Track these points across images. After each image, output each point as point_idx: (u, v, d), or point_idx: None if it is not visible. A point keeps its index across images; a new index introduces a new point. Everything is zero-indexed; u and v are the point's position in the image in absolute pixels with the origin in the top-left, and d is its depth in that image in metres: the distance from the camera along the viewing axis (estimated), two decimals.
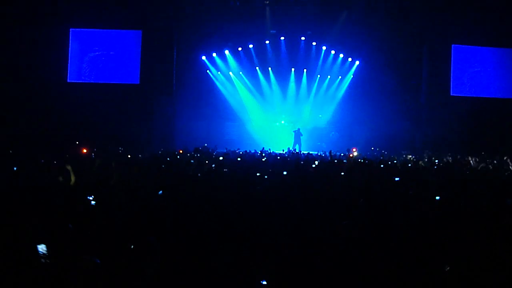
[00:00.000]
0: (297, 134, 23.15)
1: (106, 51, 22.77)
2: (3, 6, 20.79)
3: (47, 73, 21.92)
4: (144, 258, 3.63)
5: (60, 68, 22.41)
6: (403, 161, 14.28)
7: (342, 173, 9.64)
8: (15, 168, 8.70)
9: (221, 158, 12.96)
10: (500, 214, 5.67)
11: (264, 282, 3.56)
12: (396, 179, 8.48)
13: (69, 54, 22.60)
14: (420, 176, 9.87)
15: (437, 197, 6.70)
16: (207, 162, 10.94)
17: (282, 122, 24.89)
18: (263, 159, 13.30)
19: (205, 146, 16.30)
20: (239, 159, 13.06)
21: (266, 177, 8.53)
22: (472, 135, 21.92)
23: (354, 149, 18.43)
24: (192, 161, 12.04)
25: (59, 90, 22.08)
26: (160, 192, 5.64)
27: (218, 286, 3.62)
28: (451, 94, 23.48)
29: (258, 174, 8.80)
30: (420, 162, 14.01)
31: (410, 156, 16.95)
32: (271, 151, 17.37)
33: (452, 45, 23.36)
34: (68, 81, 22.63)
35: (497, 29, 22.30)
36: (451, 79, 23.49)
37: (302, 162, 12.53)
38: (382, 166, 11.93)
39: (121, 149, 17.84)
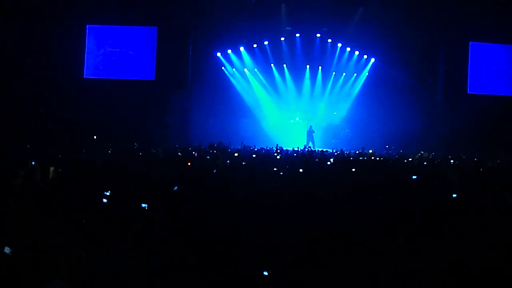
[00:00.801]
0: (310, 132, 23.12)
1: (122, 47, 22.92)
2: (20, 3, 21.03)
3: (64, 70, 22.19)
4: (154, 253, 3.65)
5: (76, 65, 22.65)
6: (419, 159, 14.15)
7: (353, 169, 9.60)
8: (33, 163, 8.79)
9: (236, 154, 12.98)
10: None
11: (265, 273, 3.56)
12: (414, 177, 8.42)
13: (86, 50, 22.80)
14: (437, 173, 9.77)
15: (454, 195, 6.64)
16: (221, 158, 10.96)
17: (297, 119, 24.83)
18: (278, 156, 13.28)
19: (220, 143, 16.31)
20: (254, 155, 13.06)
21: (281, 173, 8.52)
22: (489, 134, 21.62)
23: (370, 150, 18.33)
24: (208, 157, 12.09)
25: (75, 86, 22.34)
26: (176, 188, 5.67)
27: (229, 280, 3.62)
28: (468, 92, 23.21)
29: (275, 169, 8.79)
30: (437, 160, 13.89)
31: (426, 154, 16.79)
32: (285, 149, 17.34)
33: (470, 43, 23.08)
34: (84, 77, 22.83)
35: None
36: (469, 77, 23.21)
37: (317, 160, 12.52)
38: (396, 163, 11.86)
39: (136, 145, 17.95)
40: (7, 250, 3.31)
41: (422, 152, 17.49)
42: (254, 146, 17.70)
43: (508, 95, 23.21)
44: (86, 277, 3.23)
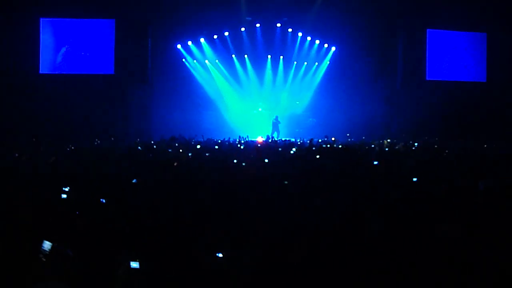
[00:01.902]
0: (275, 122, 23.17)
1: (79, 41, 22.33)
2: None
3: (18, 65, 21.43)
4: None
5: (31, 60, 21.90)
6: (379, 145, 14.35)
7: (318, 156, 9.65)
8: None
9: (198, 146, 12.86)
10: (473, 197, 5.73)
11: (220, 255, 3.52)
12: (375, 162, 8.51)
13: (40, 44, 22.09)
14: (397, 159, 9.93)
15: (414, 179, 6.73)
16: (182, 150, 10.85)
17: (260, 109, 24.81)
18: (241, 147, 13.24)
19: (180, 135, 16.13)
20: (216, 147, 12.97)
21: (244, 164, 8.47)
22: (447, 119, 22.21)
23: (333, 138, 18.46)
24: (169, 150, 11.93)
25: (31, 82, 21.62)
26: (134, 180, 5.55)
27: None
28: (427, 78, 23.71)
29: (235, 161, 8.74)
30: (397, 147, 14.12)
31: (387, 140, 17.05)
32: (249, 139, 17.29)
33: (427, 30, 23.54)
34: (40, 72, 22.15)
35: (471, 13, 22.52)
36: (427, 63, 23.70)
37: (280, 149, 12.52)
38: (358, 150, 11.99)
39: (97, 141, 17.58)
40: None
41: (383, 140, 17.78)
42: (222, 138, 17.58)
43: (464, 81, 23.83)
44: (73, 275, 3.14)
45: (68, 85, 21.74)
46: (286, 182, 6.37)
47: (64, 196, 5.40)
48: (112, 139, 18.27)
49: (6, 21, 20.76)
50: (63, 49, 22.21)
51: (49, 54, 22.25)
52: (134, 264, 3.13)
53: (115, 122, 21.64)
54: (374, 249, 3.90)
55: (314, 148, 12.64)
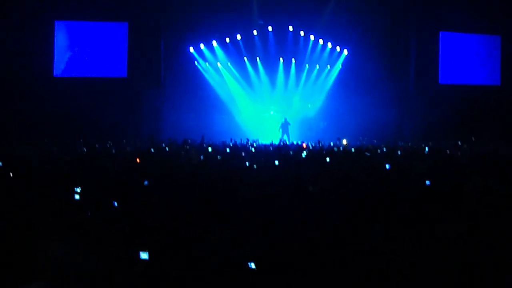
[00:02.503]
0: (285, 124, 23.15)
1: (93, 44, 22.52)
2: None
3: (33, 67, 21.65)
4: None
5: (46, 62, 22.12)
6: (392, 148, 14.28)
7: (328, 159, 9.64)
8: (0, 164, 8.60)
9: (209, 149, 12.90)
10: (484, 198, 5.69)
11: (253, 265, 3.52)
12: (387, 166, 8.48)
13: (55, 47, 22.31)
14: (411, 162, 9.88)
15: (427, 182, 6.69)
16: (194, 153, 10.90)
17: (272, 112, 24.81)
18: (252, 150, 13.27)
19: (190, 139, 16.19)
20: (228, 149, 13.01)
21: (255, 166, 8.49)
22: (460, 122, 22.02)
23: (344, 140, 18.44)
24: (182, 152, 11.99)
25: (45, 84, 21.84)
26: (146, 182, 5.59)
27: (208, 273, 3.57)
28: (440, 82, 23.56)
29: (247, 163, 8.75)
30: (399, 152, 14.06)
31: (400, 144, 16.98)
32: (259, 143, 17.31)
33: (440, 32, 23.40)
34: (54, 75, 22.36)
35: (484, 16, 22.36)
36: (440, 66, 23.55)
37: (291, 153, 12.52)
38: (370, 153, 11.94)
39: (109, 143, 17.69)
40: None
41: (395, 143, 17.71)
42: (231, 139, 17.62)
43: (477, 84, 23.63)
44: (65, 276, 3.16)
45: (81, 88, 21.92)
46: (311, 188, 6.34)
47: (77, 196, 5.45)
48: (124, 141, 18.39)
49: (22, 23, 20.98)
50: (69, 54, 22.38)
51: (63, 57, 22.44)
52: (144, 255, 3.15)
53: (128, 125, 21.76)
54: (376, 250, 3.90)
55: (324, 152, 12.64)
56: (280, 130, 23.12)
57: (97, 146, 15.10)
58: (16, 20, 20.91)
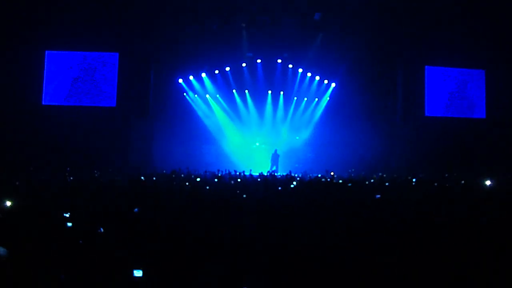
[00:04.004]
0: (275, 156, 23.23)
1: (82, 73, 22.60)
2: None
3: (22, 96, 21.69)
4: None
5: (35, 91, 22.14)
6: (380, 180, 14.37)
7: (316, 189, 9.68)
8: None
9: (198, 179, 12.88)
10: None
11: None
12: (377, 196, 8.54)
13: (44, 76, 22.37)
14: (398, 192, 9.95)
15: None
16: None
17: (257, 144, 24.89)
18: (238, 180, 13.27)
19: (177, 169, 16.16)
20: (216, 180, 13.00)
21: (244, 196, 8.49)
22: (447, 154, 22.27)
23: (332, 172, 18.51)
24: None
25: (33, 112, 21.82)
26: (136, 209, 5.56)
27: None
28: (426, 114, 23.91)
29: (244, 196, 8.72)
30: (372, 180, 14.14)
31: (384, 176, 17.08)
32: (248, 173, 17.31)
33: (426, 67, 23.88)
34: (43, 103, 22.34)
35: (469, 50, 22.92)
36: (426, 99, 23.95)
37: (279, 187, 12.51)
38: (358, 185, 12.01)
39: (97, 173, 17.56)
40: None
41: (380, 174, 17.81)
42: (218, 169, 17.61)
43: (463, 117, 24.01)
44: None
45: (70, 117, 21.93)
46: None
47: (69, 224, 5.41)
48: (110, 170, 18.26)
49: (13, 52, 21.06)
50: (58, 83, 22.44)
51: (52, 86, 22.47)
52: (137, 273, 3.13)
53: (116, 154, 21.66)
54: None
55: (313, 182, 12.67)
56: (270, 161, 23.18)
57: (84, 175, 15.00)
58: (8, 49, 21.00)
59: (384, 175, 17.12)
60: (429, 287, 3.79)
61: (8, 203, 6.67)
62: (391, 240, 5.16)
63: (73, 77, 22.60)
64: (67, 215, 5.61)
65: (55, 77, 22.52)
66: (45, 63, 22.41)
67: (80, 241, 4.67)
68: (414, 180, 14.19)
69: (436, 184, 12.78)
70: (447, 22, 22.03)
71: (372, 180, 14.40)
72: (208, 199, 8.04)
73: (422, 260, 4.23)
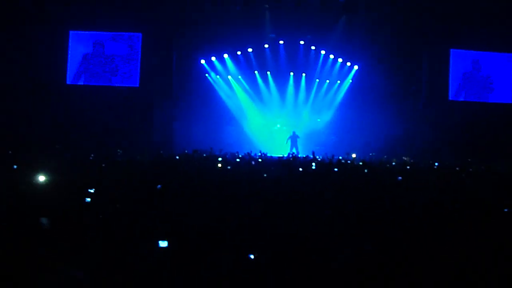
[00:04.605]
0: (293, 138, 23.23)
1: (106, 53, 22.81)
2: (1, 8, 20.87)
3: (46, 75, 22.01)
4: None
5: (59, 70, 22.45)
6: (402, 163, 14.30)
7: (336, 169, 9.69)
8: (15, 167, 8.73)
9: (220, 158, 13.00)
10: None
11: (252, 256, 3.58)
12: (399, 178, 8.53)
13: (68, 56, 22.64)
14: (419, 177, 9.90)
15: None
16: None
17: (278, 126, 24.89)
18: (259, 160, 13.35)
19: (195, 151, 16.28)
20: (238, 160, 13.10)
21: (265, 175, 8.56)
22: (470, 140, 21.97)
23: (353, 154, 18.47)
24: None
25: (58, 92, 22.17)
26: (159, 186, 5.67)
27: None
28: (450, 98, 23.56)
29: (265, 175, 8.79)
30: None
31: (408, 159, 16.97)
32: (268, 155, 17.36)
33: (451, 50, 23.44)
34: (67, 83, 22.67)
35: (496, 34, 22.42)
36: (450, 83, 23.56)
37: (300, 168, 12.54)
38: (379, 167, 11.98)
39: (119, 151, 17.83)
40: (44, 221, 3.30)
41: (404, 157, 17.68)
42: (237, 152, 17.68)
43: (486, 102, 23.61)
44: None
45: (93, 96, 22.23)
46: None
47: (88, 199, 5.53)
48: (132, 149, 18.42)
49: (38, 33, 21.35)
50: (82, 62, 22.72)
51: (76, 65, 22.75)
52: (163, 244, 3.22)
53: (139, 134, 21.92)
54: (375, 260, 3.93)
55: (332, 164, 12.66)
56: (289, 143, 23.20)
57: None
58: (33, 30, 21.29)
59: (406, 159, 17.01)
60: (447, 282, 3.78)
61: (42, 178, 6.87)
62: (407, 230, 5.13)
63: (97, 57, 22.81)
64: (92, 191, 5.74)
65: (79, 56, 22.78)
66: (69, 43, 22.67)
67: (104, 215, 4.80)
68: (436, 164, 14.08)
69: (458, 168, 12.67)
70: (474, 4, 21.55)
71: (393, 163, 14.32)
72: (227, 179, 8.12)
73: (441, 251, 4.21)
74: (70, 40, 22.66)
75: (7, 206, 5.11)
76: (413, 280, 3.72)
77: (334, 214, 5.67)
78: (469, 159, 17.05)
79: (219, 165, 10.82)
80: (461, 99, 23.62)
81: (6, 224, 4.29)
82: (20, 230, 4.14)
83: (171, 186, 6.17)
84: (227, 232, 4.45)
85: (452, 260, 4.05)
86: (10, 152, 14.26)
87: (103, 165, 9.81)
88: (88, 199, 5.56)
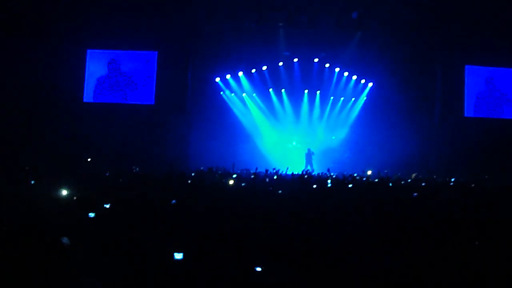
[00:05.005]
0: (309, 155, 23.21)
1: (122, 71, 23.15)
2: (21, 26, 21.34)
3: (64, 93, 22.40)
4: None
5: (76, 88, 22.83)
6: (416, 180, 14.21)
7: (350, 185, 9.67)
8: (32, 182, 8.88)
9: (234, 176, 13.05)
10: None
11: (258, 269, 3.60)
12: (414, 194, 8.50)
13: (86, 74, 23.02)
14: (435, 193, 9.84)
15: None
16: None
17: (294, 143, 24.89)
18: (274, 177, 13.37)
19: (211, 168, 16.33)
20: (252, 176, 13.14)
21: (280, 192, 8.59)
22: (485, 156, 21.73)
23: (369, 171, 18.41)
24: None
25: (75, 110, 22.50)
26: (174, 201, 5.73)
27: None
28: (465, 115, 23.41)
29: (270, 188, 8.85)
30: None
31: (415, 175, 16.88)
32: (283, 172, 17.36)
33: (466, 66, 23.36)
34: (84, 101, 23.01)
35: (510, 49, 22.31)
36: (465, 100, 23.43)
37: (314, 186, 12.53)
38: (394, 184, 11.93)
39: (135, 168, 17.97)
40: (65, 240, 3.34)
41: (415, 174, 17.60)
42: (257, 168, 17.69)
43: (503, 118, 23.40)
44: None
45: (109, 114, 22.52)
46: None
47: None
48: (148, 166, 18.52)
49: (56, 51, 21.79)
50: (99, 81, 23.07)
51: (92, 84, 23.11)
52: (178, 256, 3.25)
53: (154, 151, 22.08)
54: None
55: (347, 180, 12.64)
56: (304, 160, 23.18)
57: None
58: (52, 48, 21.72)
59: (420, 176, 16.89)
60: None
61: (64, 192, 6.99)
62: (423, 243, 5.11)
63: (114, 76, 23.17)
64: (107, 206, 5.82)
65: (95, 75, 23.16)
66: (87, 61, 23.07)
67: (119, 229, 4.86)
68: (452, 180, 13.97)
69: (473, 185, 12.56)
70: (488, 21, 21.51)
71: (409, 180, 14.24)
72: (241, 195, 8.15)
73: (457, 264, 4.19)
74: (87, 59, 23.07)
75: (25, 220, 5.19)
76: None
77: (351, 230, 5.67)
78: (486, 176, 16.88)
79: (231, 182, 10.84)
80: (477, 115, 23.44)
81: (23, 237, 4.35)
82: (37, 244, 4.19)
83: (186, 201, 6.23)
84: (242, 246, 4.47)
85: (467, 277, 4.03)
86: (27, 168, 14.44)
87: (120, 180, 9.92)
88: (92, 214, 5.61)
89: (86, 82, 23.07)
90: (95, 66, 23.17)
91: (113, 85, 23.14)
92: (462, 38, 22.29)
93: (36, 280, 3.36)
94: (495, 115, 23.47)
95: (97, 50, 23.26)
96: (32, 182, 8.99)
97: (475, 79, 23.53)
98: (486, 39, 21.94)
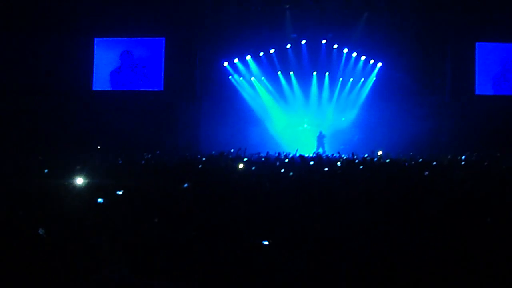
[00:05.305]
0: (320, 137, 23.17)
1: (130, 59, 23.19)
2: (28, 16, 21.42)
3: (73, 82, 22.55)
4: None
5: (85, 77, 22.94)
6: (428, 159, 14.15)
7: (361, 167, 9.66)
8: (46, 171, 8.99)
9: (245, 159, 13.09)
10: None
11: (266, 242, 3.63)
12: (425, 173, 8.48)
13: (94, 62, 23.10)
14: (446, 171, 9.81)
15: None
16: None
17: (305, 126, 24.85)
18: (286, 160, 13.38)
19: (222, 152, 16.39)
20: (263, 159, 13.17)
21: (291, 174, 8.61)
22: (497, 134, 21.54)
23: (379, 152, 18.32)
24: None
25: (84, 98, 22.64)
26: (186, 185, 5.78)
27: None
28: (476, 93, 23.17)
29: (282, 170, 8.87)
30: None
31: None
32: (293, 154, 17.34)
33: (476, 43, 23.04)
34: (93, 89, 23.13)
35: None
36: (476, 77, 23.16)
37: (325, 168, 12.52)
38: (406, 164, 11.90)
39: (147, 155, 18.05)
40: (41, 231, 3.39)
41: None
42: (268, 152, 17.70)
43: None
44: None
45: (119, 102, 22.63)
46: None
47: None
48: (158, 152, 18.61)
49: (64, 40, 21.87)
50: (107, 68, 23.15)
51: (101, 72, 23.19)
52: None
53: (164, 137, 22.22)
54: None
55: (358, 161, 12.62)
56: (316, 142, 23.15)
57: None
58: (59, 37, 21.80)
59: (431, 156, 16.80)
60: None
61: (80, 181, 7.08)
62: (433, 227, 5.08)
63: (121, 63, 23.23)
64: (120, 193, 5.89)
65: (104, 63, 23.22)
66: (95, 50, 23.13)
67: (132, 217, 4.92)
68: (463, 158, 13.90)
69: (486, 163, 12.49)
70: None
71: (420, 160, 14.19)
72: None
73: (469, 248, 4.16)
74: (95, 47, 23.12)
75: (41, 211, 5.26)
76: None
77: (361, 211, 5.68)
78: (498, 154, 16.76)
79: (241, 165, 10.87)
80: (487, 93, 23.18)
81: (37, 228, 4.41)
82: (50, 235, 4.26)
83: (197, 185, 6.29)
84: (251, 230, 4.50)
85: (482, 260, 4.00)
86: (40, 157, 14.58)
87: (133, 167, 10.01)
88: (100, 200, 5.67)
89: (94, 70, 23.15)
90: (103, 54, 23.22)
91: (121, 72, 23.20)
92: (472, 15, 21.98)
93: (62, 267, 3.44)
94: (508, 92, 23.16)
95: (104, 38, 23.28)
96: (46, 171, 9.09)
97: (486, 56, 23.19)
98: (497, 15, 21.61)
